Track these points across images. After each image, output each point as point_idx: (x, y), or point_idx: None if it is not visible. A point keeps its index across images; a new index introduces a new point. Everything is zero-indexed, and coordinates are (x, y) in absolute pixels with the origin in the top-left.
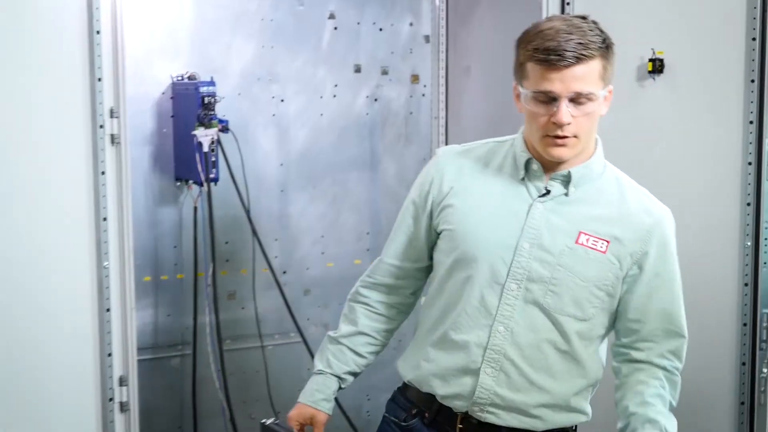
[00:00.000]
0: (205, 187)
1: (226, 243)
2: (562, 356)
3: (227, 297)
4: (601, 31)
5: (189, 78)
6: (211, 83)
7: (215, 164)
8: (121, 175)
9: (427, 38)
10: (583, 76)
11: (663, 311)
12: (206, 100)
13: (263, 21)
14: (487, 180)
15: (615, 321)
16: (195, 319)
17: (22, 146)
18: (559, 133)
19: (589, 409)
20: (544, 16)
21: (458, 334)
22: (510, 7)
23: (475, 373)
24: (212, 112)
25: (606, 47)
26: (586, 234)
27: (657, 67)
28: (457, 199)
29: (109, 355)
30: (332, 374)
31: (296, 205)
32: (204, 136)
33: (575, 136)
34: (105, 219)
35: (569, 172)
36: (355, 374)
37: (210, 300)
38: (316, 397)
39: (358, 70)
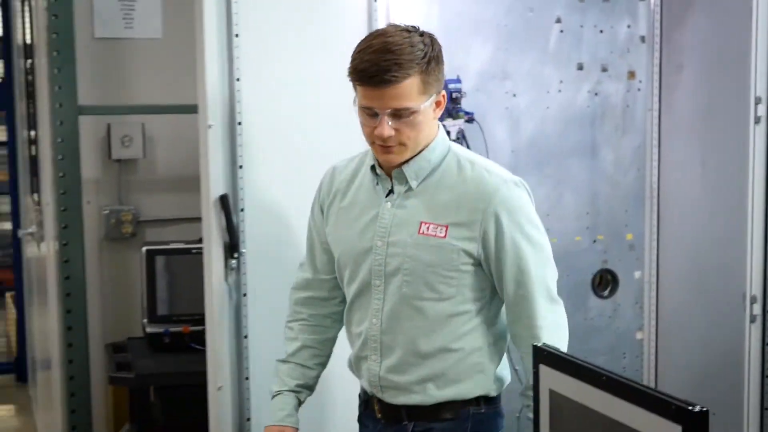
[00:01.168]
0: None
1: None
2: (428, 337)
3: None
4: (425, 44)
5: None
6: (458, 81)
7: None
8: None
9: (642, 38)
10: (400, 94)
11: (519, 284)
12: (454, 95)
13: (498, 26)
14: (354, 190)
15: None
16: None
17: (312, 135)
18: (383, 144)
19: (490, 380)
20: (754, 17)
21: (352, 327)
22: (721, 8)
23: (365, 359)
24: (459, 106)
25: (427, 62)
26: (425, 223)
27: None
28: (333, 209)
29: None
30: (288, 390)
31: None
32: (452, 125)
33: (401, 144)
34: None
35: (402, 169)
36: (309, 387)
37: None
38: (279, 415)
39: (580, 68)
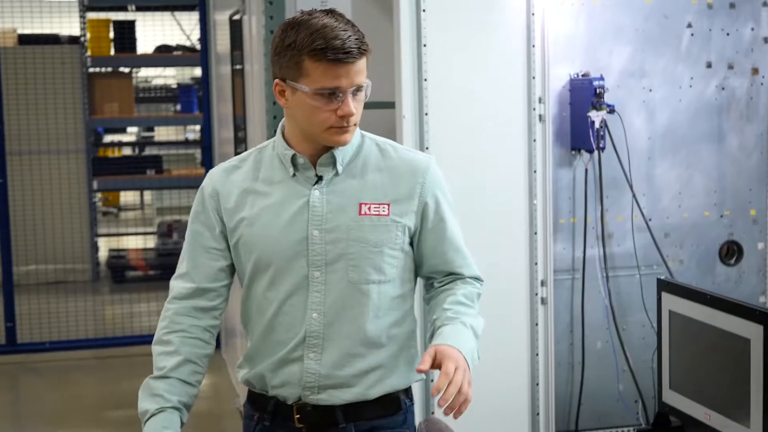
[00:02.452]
0: (595, 154)
1: (608, 197)
2: (374, 322)
3: (607, 237)
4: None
5: (584, 75)
6: (601, 78)
7: (603, 137)
8: (545, 142)
9: (765, 39)
10: (362, 68)
11: (454, 246)
12: (597, 90)
13: (636, 31)
14: (264, 188)
15: (417, 270)
16: (584, 251)
17: (482, 121)
18: (344, 124)
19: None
20: None
21: (279, 334)
22: None
23: (299, 360)
24: (602, 99)
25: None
26: (366, 204)
27: None
28: (244, 213)
29: (535, 263)
30: (172, 407)
31: (660, 169)
32: (596, 116)
33: (354, 123)
34: (535, 171)
35: (333, 153)
36: (188, 408)
37: (598, 238)
38: None
39: (709, 66)
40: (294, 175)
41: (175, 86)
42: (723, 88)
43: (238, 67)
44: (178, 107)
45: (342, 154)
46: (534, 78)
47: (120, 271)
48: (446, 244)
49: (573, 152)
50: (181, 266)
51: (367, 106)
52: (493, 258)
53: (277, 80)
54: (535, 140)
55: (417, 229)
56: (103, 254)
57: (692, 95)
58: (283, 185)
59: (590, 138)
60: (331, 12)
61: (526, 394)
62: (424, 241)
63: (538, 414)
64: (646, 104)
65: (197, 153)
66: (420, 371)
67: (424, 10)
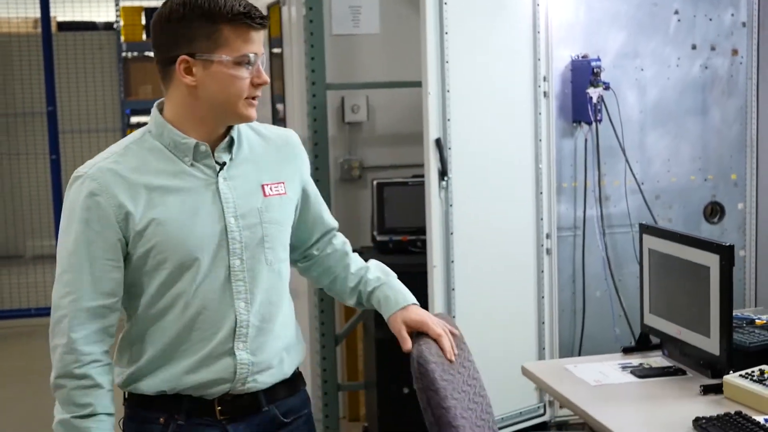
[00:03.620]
0: (593, 126)
1: (605, 163)
2: (283, 299)
3: (604, 199)
4: None
5: (583, 57)
6: (598, 60)
7: (599, 111)
8: (549, 115)
9: (743, 24)
10: (264, 37)
11: (325, 211)
12: (595, 70)
13: (629, 18)
14: (165, 181)
15: (296, 240)
16: (584, 212)
17: (495, 97)
18: (258, 93)
19: None
20: None
21: (201, 332)
22: None
23: (230, 353)
24: (599, 78)
25: None
26: (267, 184)
27: None
28: (152, 213)
29: (541, 219)
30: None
31: (650, 139)
32: (594, 93)
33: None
34: (540, 140)
35: (231, 136)
36: None
37: (596, 199)
38: None
39: (694, 47)
40: (192, 164)
41: None
42: (706, 68)
43: (276, 50)
44: None
45: (237, 137)
46: (539, 59)
47: None
48: (319, 205)
49: (574, 124)
50: (71, 284)
51: (397, 85)
52: (505, 214)
53: (183, 57)
54: (540, 113)
55: (299, 202)
56: None
57: (679, 74)
58: (183, 177)
59: (589, 112)
60: None
61: (533, 331)
62: (308, 210)
63: (544, 348)
64: (638, 82)
65: None
66: (410, 350)
67: (445, 3)
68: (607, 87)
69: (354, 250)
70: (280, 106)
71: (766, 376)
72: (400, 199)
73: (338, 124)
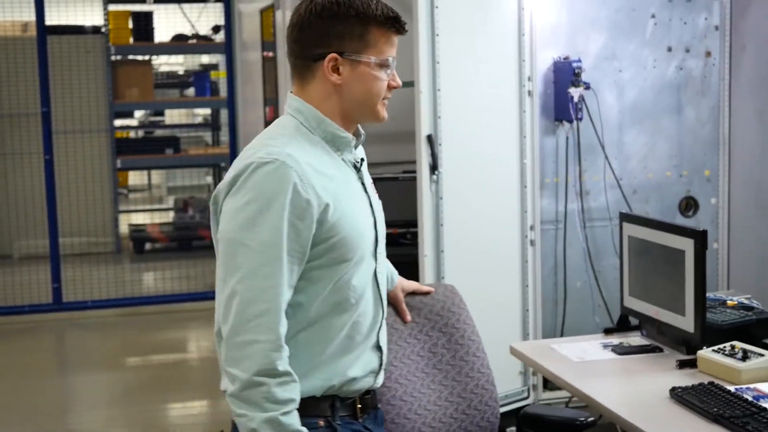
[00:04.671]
0: (574, 124)
1: (585, 160)
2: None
3: (585, 193)
4: None
5: (565, 58)
6: (579, 61)
7: (580, 110)
8: (533, 113)
9: (716, 27)
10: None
11: None
12: (576, 71)
13: (609, 22)
14: (330, 171)
15: None
16: (566, 206)
17: (482, 95)
18: (389, 95)
19: None
20: None
21: (362, 326)
22: None
23: (376, 346)
24: (579, 78)
25: None
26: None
27: None
28: (337, 205)
29: (525, 212)
30: None
31: (628, 137)
32: (575, 92)
33: None
34: (525, 137)
35: (362, 133)
36: None
37: (577, 194)
38: None
39: (669, 49)
40: (342, 159)
41: (183, 72)
42: (681, 69)
43: (270, 54)
44: (191, 91)
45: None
46: (524, 60)
47: (141, 243)
48: None
49: (556, 122)
50: (273, 277)
51: None
52: (492, 206)
53: (332, 55)
54: (525, 111)
55: None
56: (122, 229)
57: (655, 75)
58: (342, 170)
59: (570, 111)
60: None
61: (518, 319)
62: None
63: (528, 335)
64: (616, 82)
65: (205, 135)
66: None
67: (437, 7)
68: (587, 87)
69: None
70: (268, 109)
71: (736, 350)
72: (391, 193)
73: None
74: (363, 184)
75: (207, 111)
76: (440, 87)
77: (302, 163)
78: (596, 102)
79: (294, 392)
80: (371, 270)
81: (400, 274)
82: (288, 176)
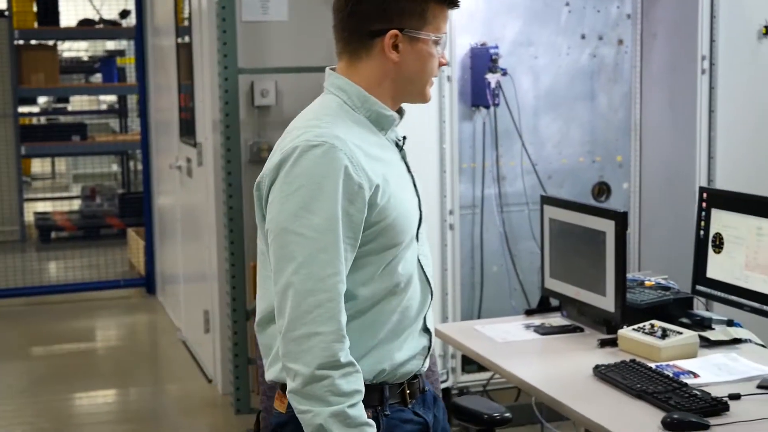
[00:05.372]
0: (491, 110)
1: (502, 145)
2: None
3: (501, 178)
4: None
5: (482, 44)
6: (496, 47)
7: (497, 96)
8: (452, 99)
9: (628, 15)
10: None
11: None
12: (493, 57)
13: (525, 8)
14: (379, 154)
15: None
16: (483, 191)
17: None
18: (437, 74)
19: None
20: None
21: (411, 310)
22: None
23: (425, 329)
24: (497, 64)
25: None
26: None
27: None
28: (386, 188)
29: (445, 196)
30: None
31: (543, 122)
32: (492, 78)
33: None
34: (444, 122)
35: (403, 110)
36: None
37: (494, 179)
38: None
39: (583, 37)
40: (385, 135)
41: (87, 58)
42: (594, 56)
43: (186, 39)
44: (98, 77)
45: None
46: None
47: (47, 232)
48: None
49: (473, 108)
50: (332, 264)
51: (305, 69)
52: None
53: (393, 31)
54: (444, 97)
55: None
56: (27, 218)
57: (570, 62)
58: (387, 150)
59: (487, 96)
60: None
61: (437, 302)
62: None
63: (447, 318)
64: (532, 69)
65: (111, 122)
66: None
67: None
68: (504, 73)
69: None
70: (181, 96)
71: (655, 329)
72: None
73: (248, 108)
74: (406, 163)
75: (113, 98)
76: None
77: (351, 145)
78: (513, 88)
79: (359, 383)
80: (416, 252)
81: None
82: (339, 159)
